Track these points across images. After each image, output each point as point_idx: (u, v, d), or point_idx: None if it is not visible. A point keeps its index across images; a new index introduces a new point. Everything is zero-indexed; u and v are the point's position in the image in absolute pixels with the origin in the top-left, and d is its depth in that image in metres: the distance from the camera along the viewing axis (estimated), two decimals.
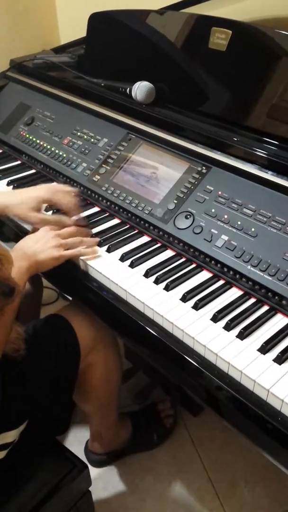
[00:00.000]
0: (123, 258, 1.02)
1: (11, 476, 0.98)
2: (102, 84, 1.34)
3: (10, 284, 0.78)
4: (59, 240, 1.00)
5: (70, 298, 1.16)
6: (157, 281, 0.96)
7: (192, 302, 0.91)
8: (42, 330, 1.04)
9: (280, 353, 0.80)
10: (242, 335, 0.84)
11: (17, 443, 0.95)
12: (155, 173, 1.13)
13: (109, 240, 1.07)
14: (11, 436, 0.91)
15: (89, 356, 1.10)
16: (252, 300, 0.92)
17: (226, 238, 0.97)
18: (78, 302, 1.12)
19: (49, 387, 1.00)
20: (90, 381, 1.17)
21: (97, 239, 1.07)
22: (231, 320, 0.86)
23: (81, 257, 1.03)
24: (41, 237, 1.00)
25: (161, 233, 1.06)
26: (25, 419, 0.93)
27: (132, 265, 1.01)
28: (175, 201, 1.06)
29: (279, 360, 0.79)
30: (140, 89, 1.21)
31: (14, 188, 1.27)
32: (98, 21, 1.39)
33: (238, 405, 0.78)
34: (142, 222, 1.10)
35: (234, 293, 0.94)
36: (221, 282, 0.97)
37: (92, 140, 1.27)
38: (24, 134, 1.42)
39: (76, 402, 1.13)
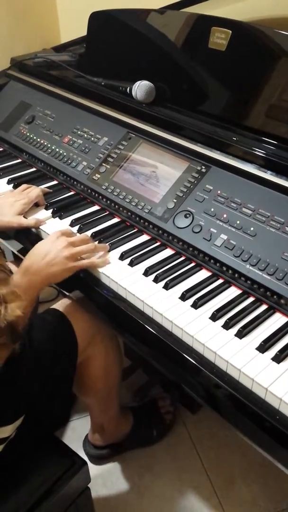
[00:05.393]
0: (122, 257, 1.03)
1: (10, 472, 0.99)
2: (103, 83, 1.34)
3: (19, 331, 0.74)
4: (71, 250, 0.97)
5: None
6: (156, 280, 0.97)
7: (191, 300, 0.92)
8: (39, 325, 1.04)
9: (278, 351, 0.80)
10: (240, 334, 0.84)
11: (15, 438, 0.96)
12: (155, 172, 1.13)
13: (109, 239, 1.08)
14: (7, 431, 0.91)
15: (87, 350, 1.10)
16: (251, 299, 0.93)
17: (225, 237, 0.97)
18: (75, 297, 1.12)
19: (46, 381, 1.00)
20: (90, 374, 1.17)
21: (107, 245, 1.05)
22: (230, 318, 0.87)
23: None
24: (52, 247, 0.97)
25: (160, 232, 1.07)
26: (21, 415, 0.93)
27: (131, 264, 1.01)
28: (175, 200, 1.07)
29: (277, 358, 0.80)
30: (140, 88, 1.22)
31: (14, 186, 1.28)
32: (98, 20, 1.39)
33: (236, 403, 0.78)
34: (141, 220, 1.10)
35: (233, 292, 0.95)
36: (220, 281, 0.97)
37: (92, 139, 1.27)
38: (24, 132, 1.42)
39: (77, 395, 1.13)
